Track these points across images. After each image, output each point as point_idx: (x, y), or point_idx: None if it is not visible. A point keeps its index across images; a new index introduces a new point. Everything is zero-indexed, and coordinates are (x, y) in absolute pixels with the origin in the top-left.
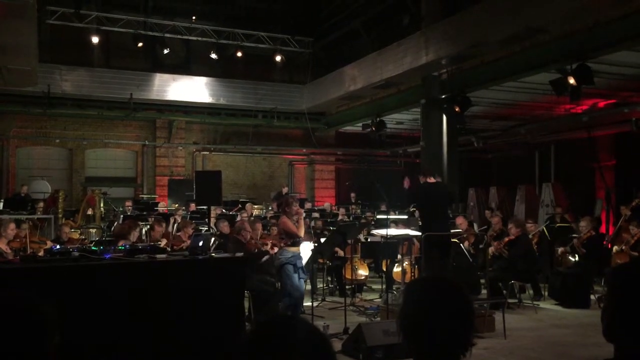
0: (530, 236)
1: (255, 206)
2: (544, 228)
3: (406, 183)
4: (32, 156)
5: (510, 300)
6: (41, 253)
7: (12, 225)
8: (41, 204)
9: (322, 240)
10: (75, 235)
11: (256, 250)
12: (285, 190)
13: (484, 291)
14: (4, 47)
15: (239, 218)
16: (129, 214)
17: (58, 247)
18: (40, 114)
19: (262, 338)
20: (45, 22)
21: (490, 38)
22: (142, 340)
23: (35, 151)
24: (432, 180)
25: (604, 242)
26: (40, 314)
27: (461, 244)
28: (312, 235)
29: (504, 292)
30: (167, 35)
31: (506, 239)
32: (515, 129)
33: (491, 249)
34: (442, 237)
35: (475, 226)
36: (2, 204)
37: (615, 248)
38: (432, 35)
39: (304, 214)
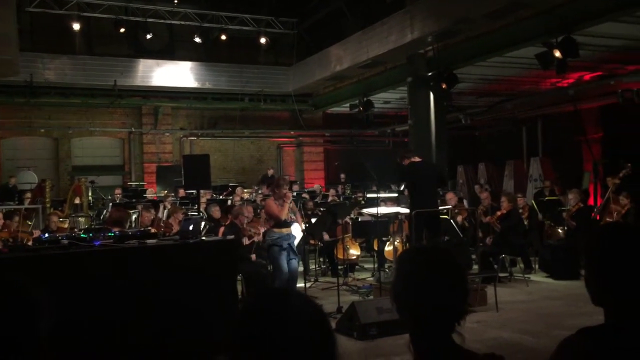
0: (520, 210)
1: (245, 190)
2: (533, 202)
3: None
4: (17, 147)
5: (501, 275)
6: (30, 242)
7: (0, 216)
8: (28, 195)
9: (313, 220)
10: (64, 225)
11: (248, 239)
12: (271, 172)
13: (475, 266)
14: None
15: (229, 202)
16: (117, 202)
17: (47, 235)
18: (24, 103)
19: (256, 311)
20: (24, 10)
21: (474, 13)
22: (134, 325)
23: (21, 142)
24: (416, 159)
25: (592, 214)
26: (29, 296)
27: (451, 220)
28: (303, 216)
29: (495, 266)
30: (150, 20)
31: (498, 213)
32: (502, 104)
33: (488, 218)
34: (431, 214)
35: (465, 202)
36: None
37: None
38: (416, 13)
39: (291, 198)
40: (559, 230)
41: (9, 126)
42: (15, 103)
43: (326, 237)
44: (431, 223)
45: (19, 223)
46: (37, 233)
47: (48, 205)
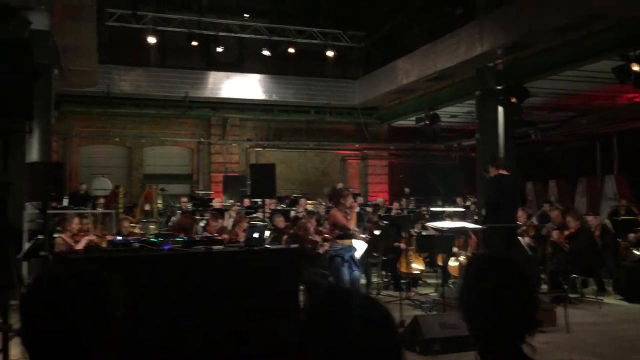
0: (592, 229)
1: (309, 202)
2: (608, 220)
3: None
4: (93, 155)
5: (571, 295)
6: (104, 244)
7: (76, 220)
8: (101, 200)
9: (377, 233)
10: (135, 230)
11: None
12: (339, 186)
13: (544, 286)
14: (65, 49)
15: (293, 213)
16: (185, 209)
17: (120, 238)
18: (101, 113)
19: (321, 309)
20: (104, 24)
21: (547, 26)
22: (199, 329)
23: (96, 149)
24: (504, 172)
25: None
26: (102, 282)
27: (519, 237)
28: (366, 229)
29: (565, 286)
30: (221, 33)
31: (566, 232)
32: (575, 119)
33: (554, 233)
34: (510, 231)
35: (534, 220)
36: (66, 200)
37: None
38: (486, 25)
39: (357, 208)
40: (635, 251)
41: (86, 134)
42: (93, 113)
43: (403, 246)
44: (509, 241)
45: (91, 226)
46: (110, 236)
47: (120, 210)
